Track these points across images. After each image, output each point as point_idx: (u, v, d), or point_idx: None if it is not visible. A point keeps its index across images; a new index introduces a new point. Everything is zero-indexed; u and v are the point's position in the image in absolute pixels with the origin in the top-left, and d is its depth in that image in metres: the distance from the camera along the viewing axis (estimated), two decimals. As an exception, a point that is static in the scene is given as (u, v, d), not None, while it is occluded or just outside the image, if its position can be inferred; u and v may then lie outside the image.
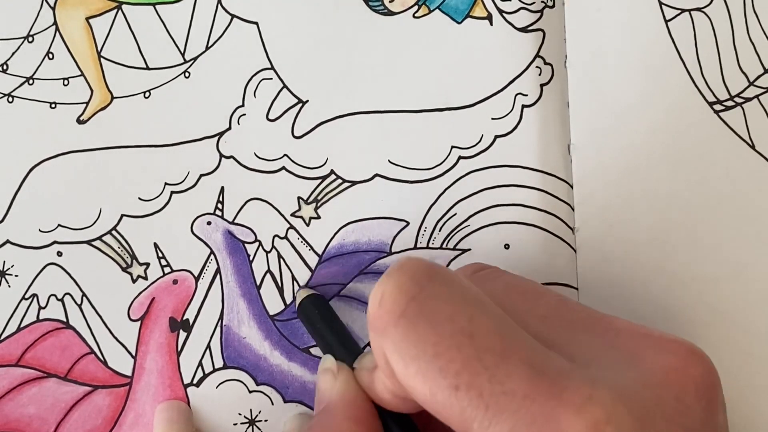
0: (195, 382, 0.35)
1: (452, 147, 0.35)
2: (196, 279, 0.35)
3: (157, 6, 0.35)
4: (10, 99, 0.35)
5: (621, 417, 0.21)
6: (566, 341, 0.24)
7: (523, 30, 0.35)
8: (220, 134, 0.35)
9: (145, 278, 0.35)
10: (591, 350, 0.24)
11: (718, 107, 0.34)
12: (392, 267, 0.25)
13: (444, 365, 0.23)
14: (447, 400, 0.23)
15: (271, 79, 0.35)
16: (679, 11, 0.34)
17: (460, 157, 0.35)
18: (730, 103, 0.34)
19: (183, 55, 0.35)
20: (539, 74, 0.35)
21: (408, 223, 0.35)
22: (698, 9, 0.34)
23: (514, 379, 0.22)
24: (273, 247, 0.35)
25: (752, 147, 0.34)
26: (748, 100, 0.34)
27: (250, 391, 0.35)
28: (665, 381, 0.23)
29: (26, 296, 0.34)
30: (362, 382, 0.28)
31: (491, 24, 0.35)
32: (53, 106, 0.35)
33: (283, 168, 0.35)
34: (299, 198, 0.35)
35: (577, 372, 0.23)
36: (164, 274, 0.35)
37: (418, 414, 0.27)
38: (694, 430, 0.22)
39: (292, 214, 0.35)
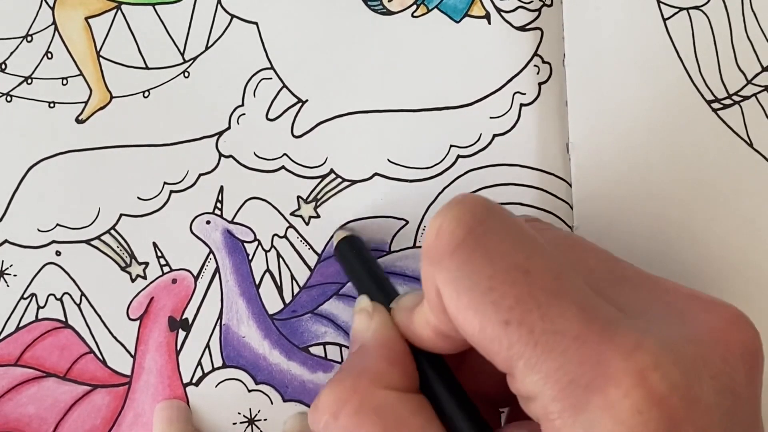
0: (194, 381, 0.35)
1: (451, 146, 0.35)
2: (195, 278, 0.35)
3: (156, 6, 0.35)
4: (9, 98, 0.35)
5: (668, 366, 0.21)
6: (614, 294, 0.24)
7: (521, 29, 0.35)
8: (220, 134, 0.35)
9: (144, 277, 0.35)
10: (639, 304, 0.24)
11: (716, 105, 0.34)
12: (452, 200, 0.25)
13: (497, 299, 0.23)
14: (496, 335, 0.22)
15: (271, 78, 0.35)
16: (677, 10, 0.35)
17: (458, 156, 0.35)
18: (728, 102, 0.34)
19: (182, 54, 0.35)
20: (537, 73, 0.35)
21: (407, 222, 0.35)
22: (696, 7, 0.34)
23: (565, 319, 0.22)
24: (272, 246, 0.35)
25: (750, 145, 0.34)
26: (746, 98, 0.35)
27: (250, 390, 0.35)
28: (712, 340, 0.23)
29: (25, 296, 0.34)
30: (400, 321, 0.28)
31: (489, 23, 0.35)
32: (52, 105, 0.35)
33: (283, 167, 0.35)
34: (299, 197, 0.35)
35: (627, 320, 0.23)
36: (163, 274, 0.35)
37: (451, 357, 0.27)
38: (737, 391, 0.22)
39: (292, 213, 0.35)
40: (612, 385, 0.21)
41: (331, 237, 0.35)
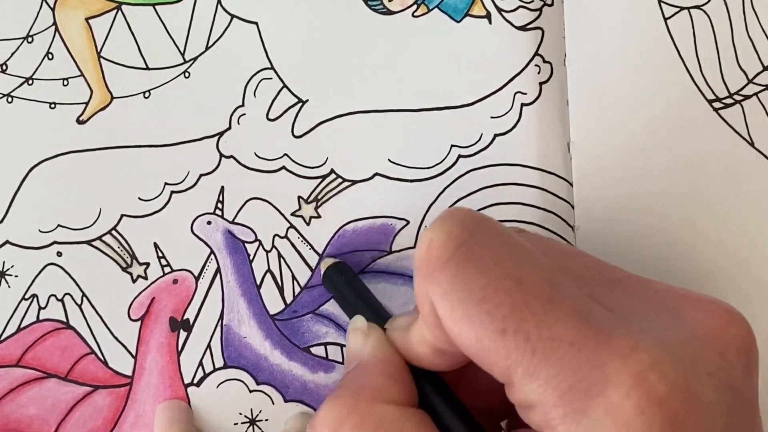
0: (195, 381, 0.35)
1: (452, 146, 0.35)
2: (197, 279, 0.35)
3: (156, 6, 0.35)
4: (10, 99, 0.35)
5: (666, 365, 0.21)
6: (606, 298, 0.24)
7: (522, 28, 0.35)
8: (220, 134, 0.35)
9: (145, 278, 0.35)
10: (631, 307, 0.24)
11: (717, 105, 0.34)
12: (441, 215, 0.25)
13: (491, 309, 0.23)
14: (493, 345, 0.23)
15: (271, 78, 0.35)
16: (678, 9, 0.34)
17: (459, 156, 0.35)
18: (729, 101, 0.34)
19: (183, 55, 0.35)
20: (538, 72, 0.35)
21: (408, 222, 0.35)
22: (697, 7, 0.34)
23: (561, 325, 0.22)
24: (273, 246, 0.35)
25: (751, 145, 0.34)
26: (747, 97, 0.35)
27: (251, 391, 0.35)
28: (707, 338, 0.23)
29: (26, 296, 0.34)
30: (395, 341, 0.28)
31: (490, 23, 0.35)
32: (53, 106, 0.35)
33: (283, 167, 0.35)
34: (299, 197, 0.35)
35: (622, 323, 0.23)
36: (164, 274, 0.35)
37: (448, 375, 0.27)
38: (735, 386, 0.22)
39: (293, 214, 0.35)
40: (612, 387, 0.21)
41: (327, 244, 0.35)
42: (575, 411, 0.21)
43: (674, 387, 0.21)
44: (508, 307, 0.23)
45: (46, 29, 0.35)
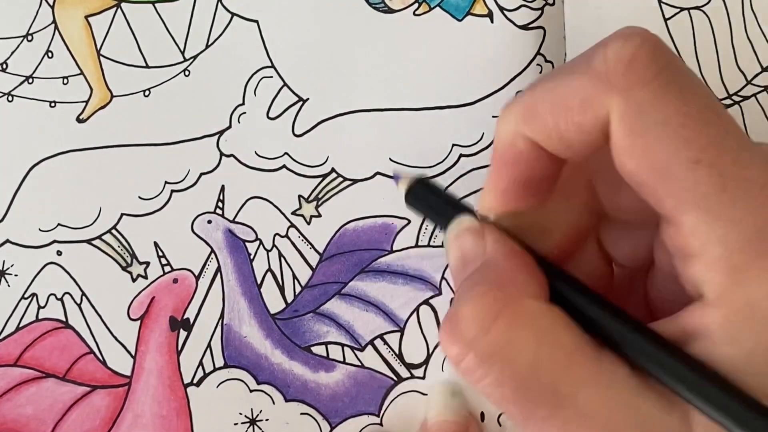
0: (195, 381, 0.34)
1: (453, 145, 0.35)
2: (197, 278, 0.35)
3: (156, 4, 0.35)
4: (10, 98, 0.34)
5: None
6: None
7: (524, 27, 0.35)
8: (221, 132, 0.35)
9: (145, 277, 0.35)
10: None
11: (717, 105, 0.35)
12: (633, 29, 0.23)
13: (690, 137, 0.22)
14: (682, 173, 0.21)
15: (272, 77, 0.35)
16: (678, 10, 0.35)
17: (461, 155, 0.35)
18: (728, 102, 0.35)
19: (183, 53, 0.35)
20: (540, 72, 0.35)
21: (409, 221, 0.35)
22: (697, 8, 0.35)
23: (756, 167, 0.21)
24: (274, 245, 0.35)
25: (751, 144, 0.35)
26: (745, 98, 0.35)
27: (251, 391, 0.34)
28: None
29: (26, 296, 0.34)
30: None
31: (492, 21, 0.35)
32: (53, 105, 0.35)
33: (284, 166, 0.35)
34: (300, 196, 0.35)
35: None
36: (164, 273, 0.35)
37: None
38: None
39: (293, 213, 0.35)
40: None
41: (328, 243, 0.35)
42: (761, 256, 0.21)
43: None
44: (707, 139, 0.22)
45: (45, 27, 0.35)
